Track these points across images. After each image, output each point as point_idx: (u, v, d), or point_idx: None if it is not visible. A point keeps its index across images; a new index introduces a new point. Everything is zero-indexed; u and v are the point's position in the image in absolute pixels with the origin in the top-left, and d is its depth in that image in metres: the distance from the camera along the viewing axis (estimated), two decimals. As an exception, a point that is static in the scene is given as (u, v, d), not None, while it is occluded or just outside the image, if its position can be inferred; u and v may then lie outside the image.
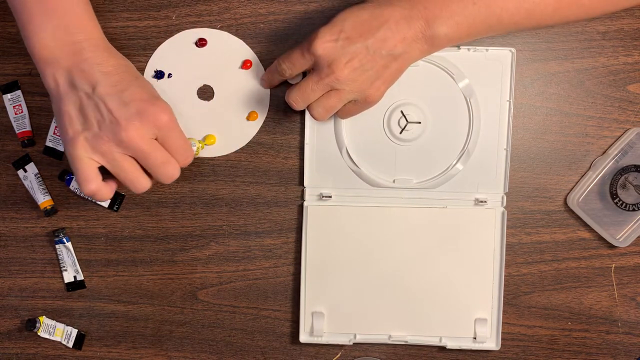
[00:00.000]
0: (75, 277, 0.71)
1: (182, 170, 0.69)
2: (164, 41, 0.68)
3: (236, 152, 0.70)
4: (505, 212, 0.69)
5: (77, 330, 0.72)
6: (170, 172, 0.59)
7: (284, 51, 0.68)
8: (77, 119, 0.57)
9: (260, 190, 0.70)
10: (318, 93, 0.60)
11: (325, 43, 0.57)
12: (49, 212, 0.70)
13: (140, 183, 0.59)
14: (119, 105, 0.56)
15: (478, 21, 0.57)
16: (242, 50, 0.68)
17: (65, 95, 0.57)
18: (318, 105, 0.61)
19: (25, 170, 0.70)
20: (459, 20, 0.57)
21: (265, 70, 0.68)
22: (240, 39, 0.68)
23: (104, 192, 0.59)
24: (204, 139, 0.69)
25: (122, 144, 0.56)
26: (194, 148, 0.65)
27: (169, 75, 0.68)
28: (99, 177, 0.58)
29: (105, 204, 0.70)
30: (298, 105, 0.61)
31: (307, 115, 0.68)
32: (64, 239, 0.70)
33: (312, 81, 0.59)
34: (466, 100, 0.67)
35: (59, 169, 0.70)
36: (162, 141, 0.58)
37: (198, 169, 0.70)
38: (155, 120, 0.57)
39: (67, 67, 0.57)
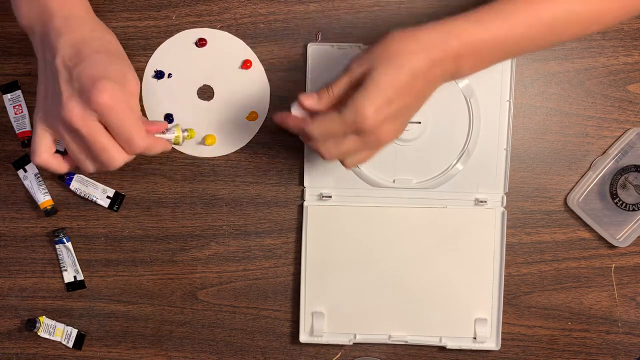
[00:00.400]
0: (75, 277, 0.71)
1: (182, 170, 0.69)
2: (164, 41, 0.68)
3: (236, 152, 0.70)
4: (505, 212, 0.69)
5: (77, 330, 0.72)
6: (109, 159, 0.55)
7: (284, 50, 0.68)
8: (42, 89, 0.56)
9: (260, 190, 0.70)
10: (354, 150, 0.56)
11: (374, 117, 0.53)
12: (49, 212, 0.70)
13: (85, 166, 0.56)
14: (66, 81, 0.53)
15: (501, 58, 0.57)
16: (242, 50, 0.68)
17: (39, 63, 0.57)
18: (352, 159, 0.58)
19: (25, 170, 0.70)
20: (486, 62, 0.56)
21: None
22: (240, 39, 0.68)
23: (52, 166, 0.57)
24: (204, 139, 0.69)
25: (62, 122, 0.54)
26: (172, 136, 0.61)
27: (169, 75, 0.68)
28: (50, 150, 0.56)
29: (106, 203, 0.70)
30: (330, 158, 0.57)
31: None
32: (64, 239, 0.70)
33: (353, 144, 0.55)
34: (466, 100, 0.67)
35: (59, 169, 0.70)
36: (106, 124, 0.54)
37: (198, 169, 0.70)
38: (92, 100, 0.52)
39: (40, 35, 0.56)
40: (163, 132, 0.62)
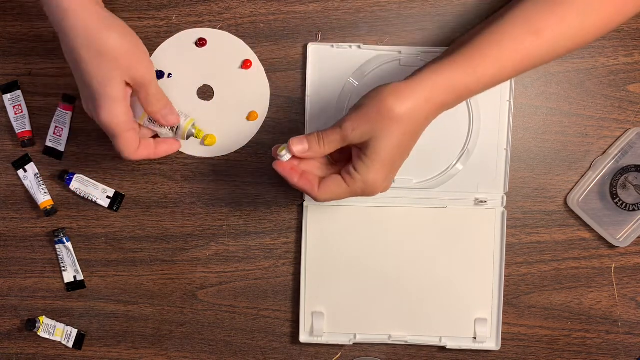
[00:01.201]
0: (75, 277, 0.71)
1: (182, 170, 0.70)
2: (164, 41, 0.68)
3: (236, 152, 0.70)
4: (505, 212, 0.69)
5: (77, 330, 0.72)
6: (122, 156, 0.61)
7: (284, 50, 0.68)
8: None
9: (260, 190, 0.70)
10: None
11: (383, 185, 0.57)
12: (49, 212, 0.70)
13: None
14: (80, 82, 0.59)
15: (491, 88, 0.58)
16: (242, 50, 0.68)
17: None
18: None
19: (25, 170, 0.70)
20: (475, 95, 0.58)
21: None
22: (240, 39, 0.68)
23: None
24: (204, 139, 0.69)
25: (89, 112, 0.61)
26: (183, 122, 0.65)
27: (169, 75, 0.68)
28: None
29: (106, 203, 0.70)
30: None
31: (307, 117, 0.68)
32: (64, 239, 0.70)
33: (353, 195, 0.58)
34: (466, 100, 0.67)
35: (59, 169, 0.70)
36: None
37: (198, 169, 0.70)
38: (96, 117, 0.59)
39: (51, 21, 0.58)
40: (172, 129, 0.63)
